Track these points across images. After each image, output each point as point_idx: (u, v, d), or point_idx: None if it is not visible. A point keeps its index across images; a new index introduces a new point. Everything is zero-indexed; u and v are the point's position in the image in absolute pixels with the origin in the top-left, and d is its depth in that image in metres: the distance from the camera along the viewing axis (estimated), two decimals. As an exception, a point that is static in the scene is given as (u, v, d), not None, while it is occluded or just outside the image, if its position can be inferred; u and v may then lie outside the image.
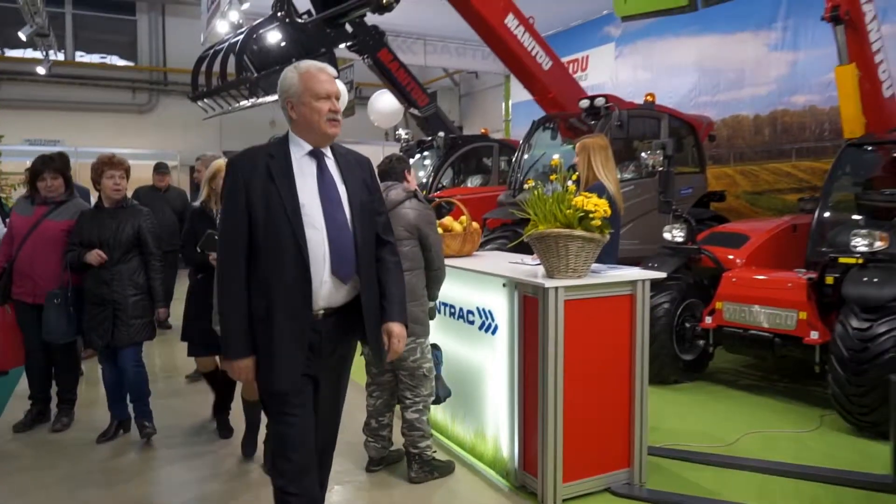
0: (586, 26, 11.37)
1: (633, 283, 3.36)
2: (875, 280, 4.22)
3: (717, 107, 9.03)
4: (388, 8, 6.13)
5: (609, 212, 3.22)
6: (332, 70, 2.33)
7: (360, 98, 13.28)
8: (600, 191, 3.62)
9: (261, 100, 7.80)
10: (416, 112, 9.15)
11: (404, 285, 2.54)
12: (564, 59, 9.40)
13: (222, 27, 9.25)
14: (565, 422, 3.18)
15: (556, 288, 3.10)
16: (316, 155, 2.34)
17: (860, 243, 4.46)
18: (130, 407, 4.21)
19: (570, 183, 3.21)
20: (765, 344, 4.82)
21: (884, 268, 4.30)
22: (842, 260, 4.49)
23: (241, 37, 7.78)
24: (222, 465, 3.85)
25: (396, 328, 2.44)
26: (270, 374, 2.28)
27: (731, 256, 5.37)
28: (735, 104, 8.91)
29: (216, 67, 8.25)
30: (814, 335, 4.53)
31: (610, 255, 3.74)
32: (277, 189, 2.23)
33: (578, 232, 3.14)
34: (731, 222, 6.73)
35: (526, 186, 5.17)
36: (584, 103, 6.82)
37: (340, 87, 2.24)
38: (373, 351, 2.46)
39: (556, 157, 6.00)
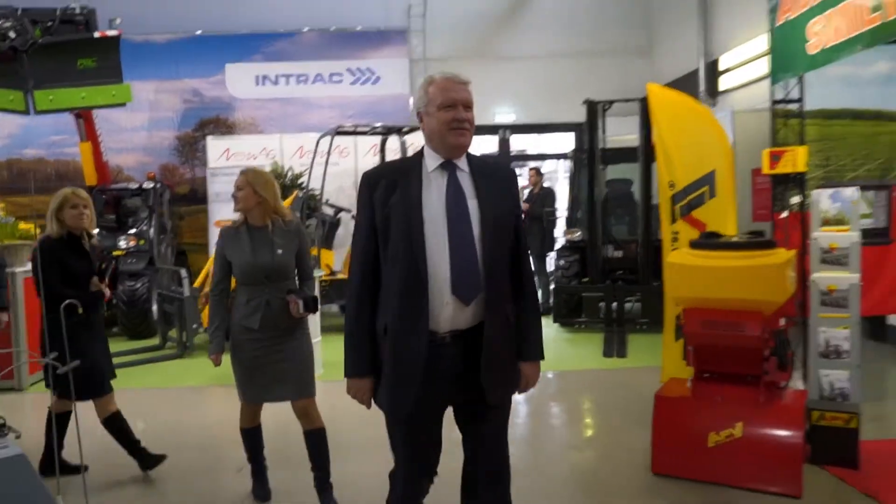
0: None
1: None
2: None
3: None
4: None
5: None
6: (462, 77, 2.20)
7: None
8: None
9: None
10: None
11: (541, 321, 2.40)
12: None
13: None
14: None
15: None
16: (447, 167, 2.20)
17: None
18: None
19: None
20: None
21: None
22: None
23: None
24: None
25: (529, 369, 2.34)
26: (384, 396, 2.23)
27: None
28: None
29: None
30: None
31: None
32: (401, 203, 2.14)
33: None
34: None
35: None
36: None
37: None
38: (484, 382, 2.17)
39: None
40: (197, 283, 7.40)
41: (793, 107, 4.39)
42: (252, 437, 3.60)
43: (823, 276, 3.92)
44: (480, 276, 2.14)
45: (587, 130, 7.78)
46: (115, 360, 4.21)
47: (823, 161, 4.49)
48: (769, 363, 3.68)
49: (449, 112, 2.14)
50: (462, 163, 2.23)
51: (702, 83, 9.72)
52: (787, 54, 4.23)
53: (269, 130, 11.35)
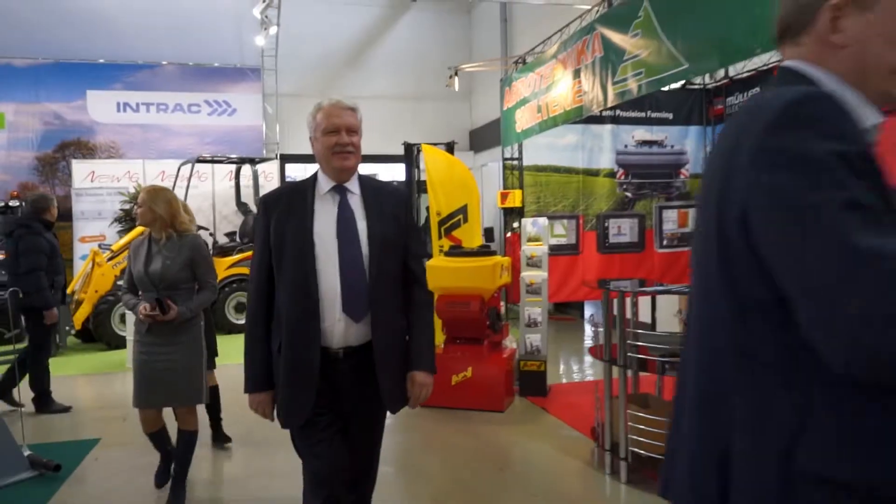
0: None
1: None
2: None
3: None
4: None
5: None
6: (347, 103, 2.28)
7: None
8: None
9: None
10: None
11: (433, 329, 2.47)
12: None
13: None
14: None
15: None
16: (339, 191, 2.29)
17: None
18: None
19: None
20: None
21: None
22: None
23: None
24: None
25: (420, 377, 2.37)
26: (280, 409, 2.29)
27: None
28: None
29: None
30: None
31: None
32: (294, 226, 2.21)
33: None
34: None
35: None
36: None
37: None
38: (382, 394, 2.30)
39: None
40: (69, 290, 8.54)
41: (515, 163, 6.58)
42: (154, 441, 3.72)
43: (527, 275, 6.09)
44: (366, 295, 2.23)
45: (405, 166, 9.79)
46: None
47: (536, 199, 6.71)
48: (489, 329, 5.77)
49: (332, 137, 2.22)
50: (353, 185, 2.32)
51: (504, 128, 12.11)
52: (508, 129, 6.42)
53: (130, 154, 12.42)
